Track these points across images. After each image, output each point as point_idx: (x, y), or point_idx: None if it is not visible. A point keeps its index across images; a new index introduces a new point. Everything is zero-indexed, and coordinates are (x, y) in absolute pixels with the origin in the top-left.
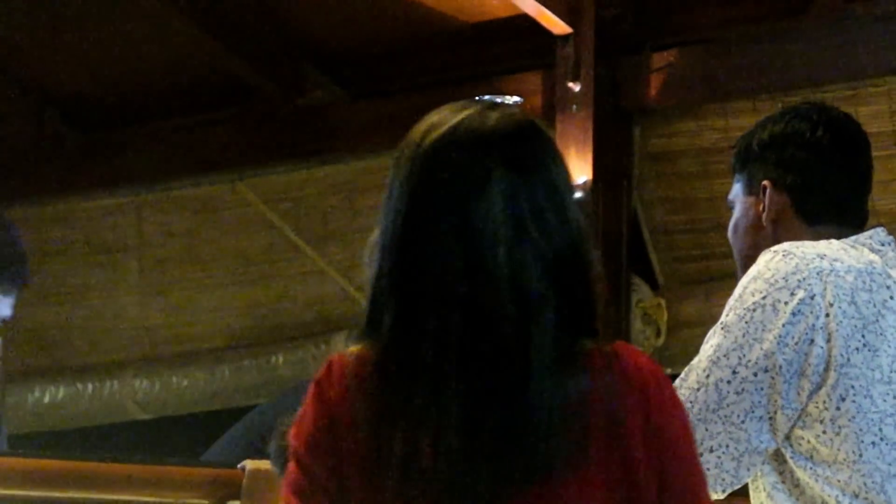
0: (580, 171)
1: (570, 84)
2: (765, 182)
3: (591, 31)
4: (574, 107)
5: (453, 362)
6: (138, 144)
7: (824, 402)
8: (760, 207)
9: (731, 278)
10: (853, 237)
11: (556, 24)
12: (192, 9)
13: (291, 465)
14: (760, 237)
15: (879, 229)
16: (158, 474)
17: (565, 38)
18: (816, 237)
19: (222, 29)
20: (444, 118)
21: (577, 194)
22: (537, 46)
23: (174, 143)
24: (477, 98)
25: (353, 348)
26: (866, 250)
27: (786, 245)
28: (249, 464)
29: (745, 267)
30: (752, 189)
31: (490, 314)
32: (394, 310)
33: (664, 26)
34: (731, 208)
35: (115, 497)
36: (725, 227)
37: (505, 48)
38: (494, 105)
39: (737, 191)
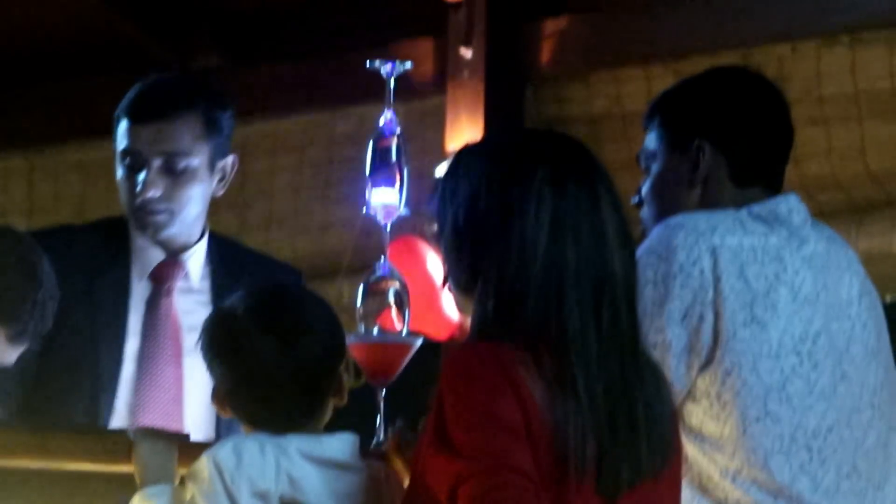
0: (471, 137)
1: (462, 51)
2: (700, 142)
3: None
4: (466, 73)
5: (595, 355)
6: (28, 107)
7: (711, 377)
8: (691, 166)
9: None
10: (760, 204)
11: None
12: None
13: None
14: (686, 196)
15: (791, 196)
16: (47, 440)
17: (457, 4)
18: (743, 199)
19: None
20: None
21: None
22: (430, 13)
23: (65, 106)
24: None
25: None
26: (770, 219)
27: (679, 218)
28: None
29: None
30: (677, 145)
31: (615, 313)
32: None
33: None
34: (644, 165)
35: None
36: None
37: (397, 14)
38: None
39: (656, 146)
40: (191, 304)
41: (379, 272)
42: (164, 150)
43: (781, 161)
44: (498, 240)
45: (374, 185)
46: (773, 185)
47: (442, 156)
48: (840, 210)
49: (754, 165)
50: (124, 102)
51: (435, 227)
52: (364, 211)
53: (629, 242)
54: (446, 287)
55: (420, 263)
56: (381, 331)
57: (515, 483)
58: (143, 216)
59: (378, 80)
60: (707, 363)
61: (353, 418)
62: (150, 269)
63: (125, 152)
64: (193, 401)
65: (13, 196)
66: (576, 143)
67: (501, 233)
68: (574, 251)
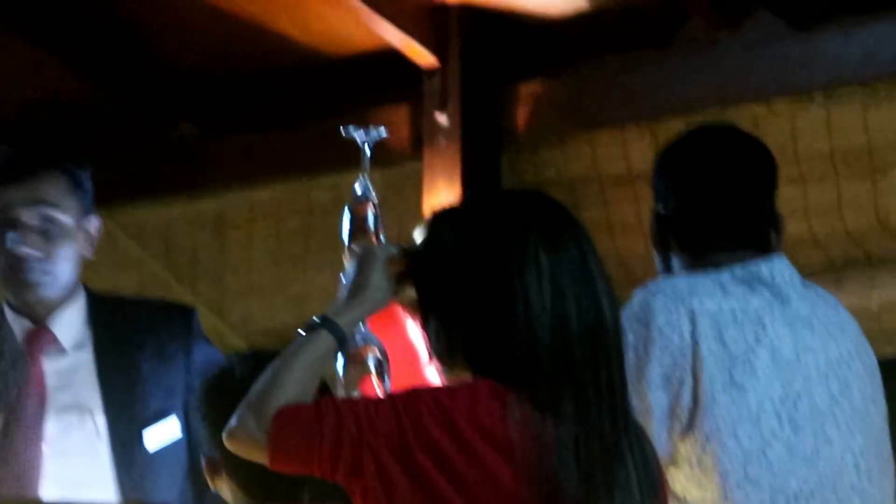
0: (449, 202)
1: (438, 116)
2: (661, 206)
3: (458, 63)
4: (442, 139)
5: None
6: None
7: (692, 442)
8: (658, 230)
9: None
10: (742, 266)
11: (424, 57)
12: (60, 46)
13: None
14: (671, 257)
15: (776, 257)
16: None
17: (432, 70)
18: (704, 263)
19: (90, 64)
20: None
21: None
22: (405, 79)
23: None
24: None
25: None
26: (752, 281)
27: (659, 282)
28: None
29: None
30: (655, 207)
31: (609, 367)
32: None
33: (532, 57)
34: None
35: None
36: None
37: (373, 81)
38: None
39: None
40: (63, 367)
41: (358, 340)
42: (36, 205)
43: (759, 222)
44: (499, 308)
45: (352, 253)
46: (759, 247)
47: (420, 221)
48: (818, 268)
49: (711, 229)
50: None
51: (413, 294)
52: (343, 279)
53: (613, 298)
54: (432, 361)
55: (399, 330)
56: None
57: None
58: (20, 275)
59: (354, 148)
60: (688, 428)
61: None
62: (19, 339)
63: (2, 211)
64: (66, 461)
65: None
66: (555, 202)
67: (505, 303)
68: (575, 311)
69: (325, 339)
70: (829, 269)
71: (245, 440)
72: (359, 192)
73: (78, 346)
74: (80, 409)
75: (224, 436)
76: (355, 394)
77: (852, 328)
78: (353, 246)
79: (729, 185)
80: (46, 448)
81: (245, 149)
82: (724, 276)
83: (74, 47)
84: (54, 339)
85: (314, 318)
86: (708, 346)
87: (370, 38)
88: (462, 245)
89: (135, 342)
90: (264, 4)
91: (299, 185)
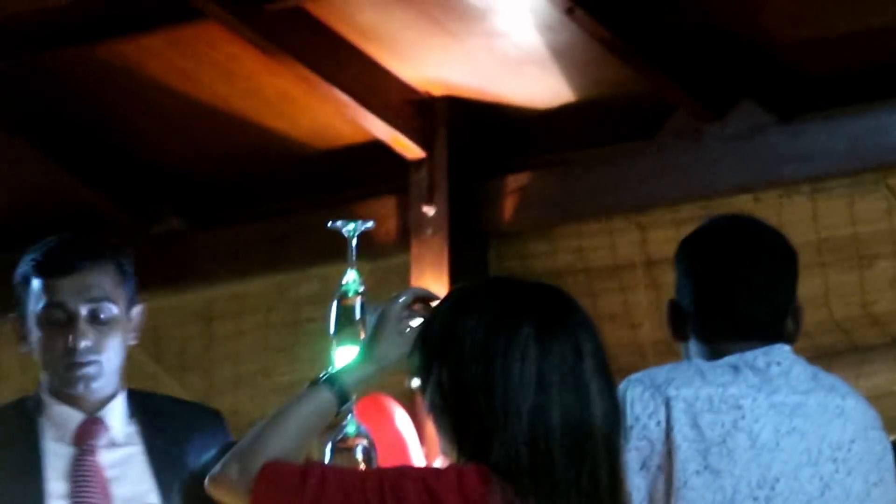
0: (435, 293)
1: (425, 208)
2: (672, 301)
3: (445, 154)
4: (429, 230)
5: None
6: None
7: None
8: (671, 322)
9: None
10: (738, 355)
11: (410, 149)
12: (44, 142)
13: None
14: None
15: (776, 347)
16: None
17: (419, 162)
18: (716, 352)
19: (75, 160)
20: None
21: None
22: (391, 171)
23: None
24: None
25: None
26: (743, 368)
27: (640, 373)
28: None
29: None
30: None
31: (594, 470)
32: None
33: (518, 149)
34: None
35: None
36: None
37: (358, 173)
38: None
39: None
40: (116, 459)
41: (347, 430)
42: (90, 298)
43: (771, 314)
44: (482, 395)
45: (339, 344)
46: (767, 337)
47: None
48: (808, 357)
49: (719, 320)
50: (30, 265)
51: (416, 381)
52: (330, 370)
53: (611, 396)
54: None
55: (388, 420)
56: None
57: None
58: (75, 370)
59: (341, 240)
60: None
61: None
62: (69, 431)
63: (49, 307)
64: None
65: None
66: (560, 294)
67: (485, 388)
68: (558, 409)
69: (324, 396)
70: (818, 357)
71: (228, 489)
72: (346, 284)
73: (128, 439)
74: (140, 502)
75: (207, 481)
76: None
77: (857, 414)
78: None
79: (738, 277)
80: None
81: (232, 242)
82: (706, 364)
83: (59, 144)
84: (107, 431)
85: (321, 374)
86: (682, 432)
87: (357, 131)
88: (460, 330)
89: (179, 438)
90: (252, 99)
91: (287, 278)
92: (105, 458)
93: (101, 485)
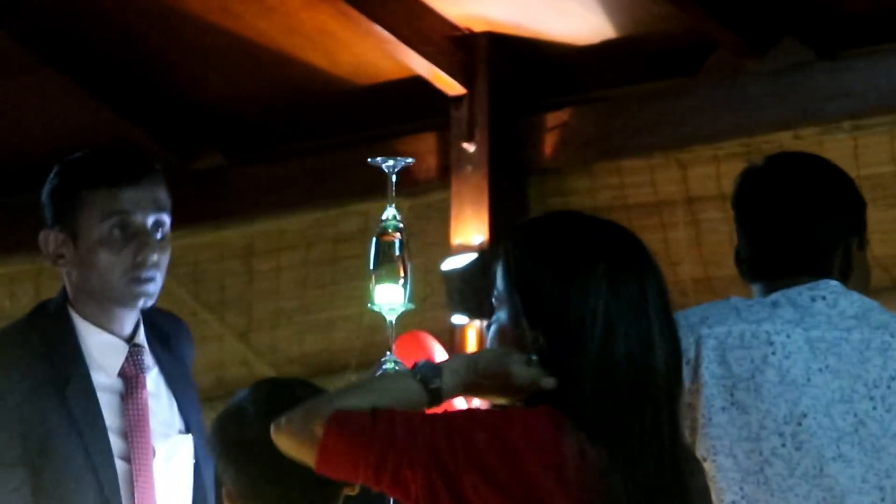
0: (477, 231)
1: (465, 145)
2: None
3: (486, 91)
4: (469, 167)
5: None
6: (34, 212)
7: None
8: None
9: None
10: (783, 291)
11: (450, 86)
12: (89, 79)
13: None
14: None
15: (823, 283)
16: None
17: (459, 98)
18: (770, 290)
19: (118, 97)
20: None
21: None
22: (431, 107)
23: None
24: None
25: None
26: (783, 304)
27: (678, 313)
28: None
29: None
30: None
31: (656, 413)
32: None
33: (558, 86)
34: None
35: None
36: None
37: (399, 109)
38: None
39: None
40: (152, 387)
41: (385, 367)
42: (157, 209)
43: (818, 248)
44: (556, 326)
45: (379, 280)
46: (815, 272)
47: (447, 249)
48: None
49: (766, 256)
50: (89, 172)
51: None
52: (369, 307)
53: (673, 338)
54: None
55: (427, 357)
56: None
57: None
58: (137, 285)
59: (381, 177)
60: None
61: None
62: (106, 357)
63: (119, 215)
64: (174, 486)
65: (20, 301)
66: (631, 236)
67: (560, 320)
68: (623, 347)
69: (414, 388)
70: None
71: (294, 437)
72: (385, 220)
73: (152, 362)
74: (173, 428)
75: (273, 429)
76: None
77: None
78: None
79: (781, 214)
80: (160, 476)
81: (272, 178)
82: (746, 301)
83: (102, 80)
84: (148, 361)
85: (426, 362)
86: (709, 369)
87: (397, 67)
88: (538, 257)
89: (177, 353)
90: (292, 36)
91: (326, 215)
92: (149, 386)
93: (147, 419)
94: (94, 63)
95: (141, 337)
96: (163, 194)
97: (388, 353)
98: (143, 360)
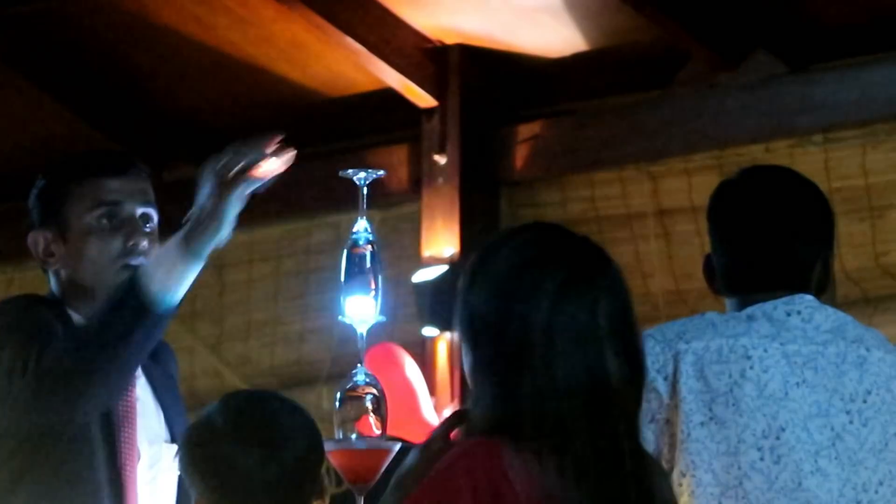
0: (448, 243)
1: (437, 157)
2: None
3: (457, 103)
4: (440, 179)
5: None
6: (5, 223)
7: (673, 478)
8: (708, 274)
9: None
10: (759, 305)
11: (422, 98)
12: (63, 90)
13: None
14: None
15: (797, 297)
16: None
17: (431, 111)
18: (744, 304)
19: (86, 106)
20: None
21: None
22: (403, 119)
23: None
24: None
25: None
26: (758, 318)
27: (653, 329)
28: None
29: None
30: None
31: (610, 421)
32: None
33: (530, 98)
34: None
35: None
36: None
37: (370, 121)
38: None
39: None
40: (139, 393)
41: (356, 379)
42: (144, 202)
43: (794, 263)
44: (496, 345)
45: (350, 293)
46: (792, 287)
47: (418, 262)
48: None
49: (744, 272)
50: (79, 166)
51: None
52: (340, 319)
53: (632, 358)
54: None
55: (398, 369)
56: (359, 437)
57: None
58: (129, 272)
59: (353, 189)
60: (671, 467)
61: None
62: None
63: (107, 205)
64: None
65: None
66: (591, 253)
67: (500, 339)
68: (566, 368)
69: None
70: None
71: None
72: (357, 232)
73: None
74: (159, 437)
75: None
76: (353, 434)
77: (884, 366)
78: None
79: (759, 229)
80: (144, 483)
81: None
82: (722, 316)
83: (72, 90)
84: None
85: None
86: (687, 384)
87: (369, 79)
88: (489, 276)
89: (160, 358)
90: (263, 47)
91: (298, 226)
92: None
93: (134, 422)
94: (66, 74)
95: None
96: (150, 189)
97: (358, 365)
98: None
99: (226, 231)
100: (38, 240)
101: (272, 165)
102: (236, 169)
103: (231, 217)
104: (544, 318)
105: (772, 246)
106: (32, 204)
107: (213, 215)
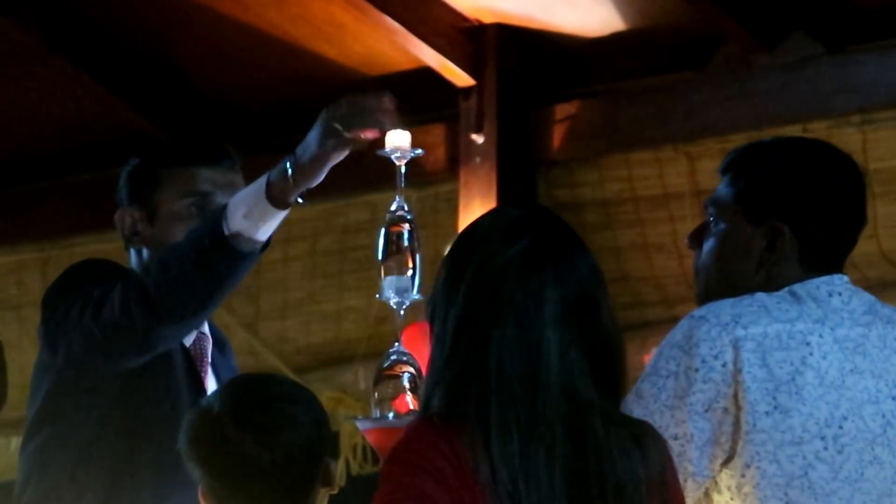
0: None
1: (474, 136)
2: (781, 225)
3: (494, 83)
4: (478, 159)
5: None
6: (43, 201)
7: (732, 470)
8: (767, 245)
9: (631, 329)
10: (802, 284)
11: (459, 77)
12: (99, 68)
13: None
14: (749, 270)
15: (836, 277)
16: None
17: (468, 90)
18: (803, 279)
19: (126, 87)
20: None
21: None
22: (440, 98)
23: (79, 200)
24: None
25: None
26: (806, 299)
27: (703, 310)
28: None
29: (709, 294)
30: (752, 218)
31: (546, 400)
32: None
33: (567, 78)
34: (710, 216)
35: None
36: (630, 279)
37: (408, 100)
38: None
39: (729, 208)
40: (208, 378)
41: (393, 357)
42: (232, 191)
43: (852, 245)
44: (442, 330)
45: (387, 271)
46: (836, 268)
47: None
48: None
49: (829, 252)
50: (177, 151)
51: None
52: (377, 297)
53: (576, 349)
54: None
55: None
56: (396, 415)
57: None
58: None
59: (390, 167)
60: (730, 456)
61: None
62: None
63: (198, 195)
64: None
65: (29, 288)
66: (564, 239)
67: (445, 324)
68: (496, 352)
69: None
70: (864, 290)
71: None
72: (394, 211)
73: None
74: None
75: None
76: (389, 412)
77: None
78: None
79: (837, 212)
80: None
81: None
82: (770, 296)
83: (110, 70)
84: (208, 345)
85: None
86: (752, 372)
87: (406, 58)
88: (451, 257)
89: (230, 361)
90: (302, 27)
91: (335, 205)
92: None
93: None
94: (102, 53)
95: (206, 328)
96: (240, 180)
97: (396, 343)
98: (206, 347)
99: (318, 179)
100: (125, 217)
101: (384, 124)
102: (352, 119)
103: (327, 166)
104: (483, 306)
105: (851, 227)
106: (123, 181)
107: (315, 158)
